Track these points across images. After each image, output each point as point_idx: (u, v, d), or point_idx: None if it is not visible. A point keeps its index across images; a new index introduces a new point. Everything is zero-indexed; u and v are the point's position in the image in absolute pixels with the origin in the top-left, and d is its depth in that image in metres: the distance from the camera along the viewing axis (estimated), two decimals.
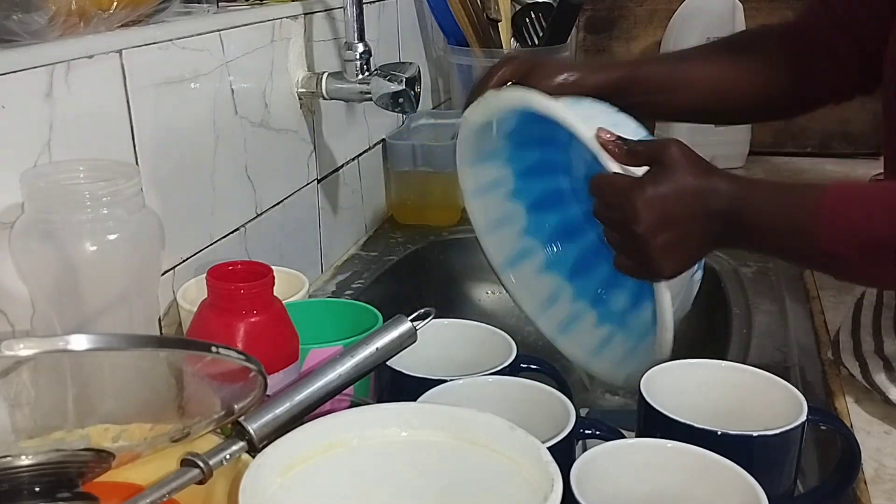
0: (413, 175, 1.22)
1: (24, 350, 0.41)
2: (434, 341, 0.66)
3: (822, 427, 0.60)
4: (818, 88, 0.88)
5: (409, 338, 0.59)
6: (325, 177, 1.04)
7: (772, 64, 0.87)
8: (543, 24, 1.37)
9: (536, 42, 1.38)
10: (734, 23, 1.42)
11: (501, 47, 1.37)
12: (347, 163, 1.10)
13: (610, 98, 0.78)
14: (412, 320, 0.59)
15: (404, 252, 1.15)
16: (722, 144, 1.38)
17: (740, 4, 1.42)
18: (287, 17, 0.92)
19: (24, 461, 0.46)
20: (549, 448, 0.47)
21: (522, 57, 0.83)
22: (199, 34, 0.78)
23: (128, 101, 0.70)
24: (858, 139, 1.52)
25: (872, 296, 0.80)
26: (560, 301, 0.88)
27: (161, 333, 0.74)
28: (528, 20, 1.38)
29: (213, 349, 0.47)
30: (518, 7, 1.39)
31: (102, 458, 0.49)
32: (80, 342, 0.42)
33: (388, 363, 0.60)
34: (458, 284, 1.23)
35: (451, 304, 1.21)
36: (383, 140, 1.22)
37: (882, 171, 0.82)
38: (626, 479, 0.52)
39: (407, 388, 0.59)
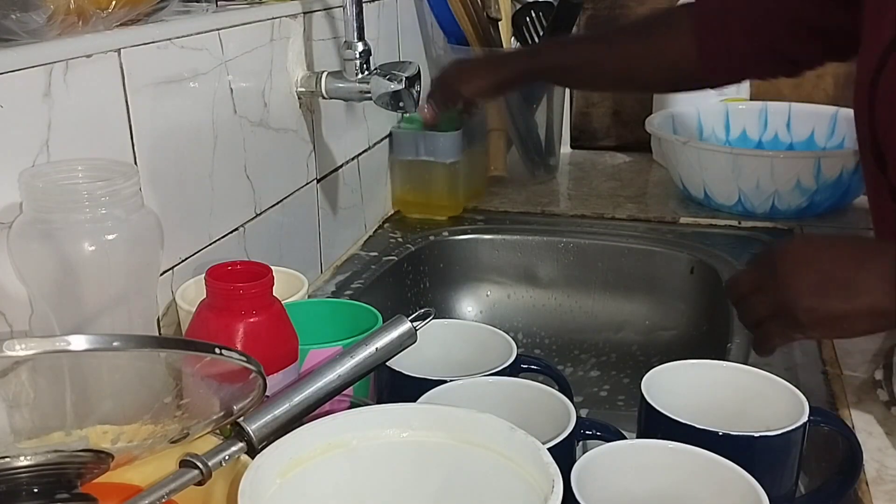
0: (416, 165, 1.23)
1: (23, 350, 0.41)
2: (434, 341, 0.66)
3: (824, 428, 0.59)
4: (728, 69, 0.93)
5: (409, 338, 0.59)
6: (325, 176, 1.04)
7: (680, 41, 0.92)
8: (544, 22, 1.37)
9: (537, 41, 1.38)
10: None
11: (502, 46, 1.37)
12: (347, 162, 1.10)
13: (522, 84, 0.94)
14: (412, 320, 0.59)
15: (404, 252, 1.15)
16: None
17: None
18: (286, 16, 0.91)
19: (23, 462, 0.46)
20: (549, 449, 0.47)
21: (460, 63, 0.97)
22: (198, 33, 0.78)
23: (126, 101, 0.69)
24: None
25: None
26: None
27: (160, 334, 0.74)
28: (528, 19, 1.38)
29: (217, 350, 0.47)
30: (518, 6, 1.39)
31: (101, 459, 0.48)
32: (79, 342, 0.42)
33: (387, 363, 0.60)
34: (458, 284, 1.23)
35: (451, 304, 1.21)
36: (390, 134, 1.22)
37: None
38: (627, 479, 0.52)
39: (407, 389, 0.59)
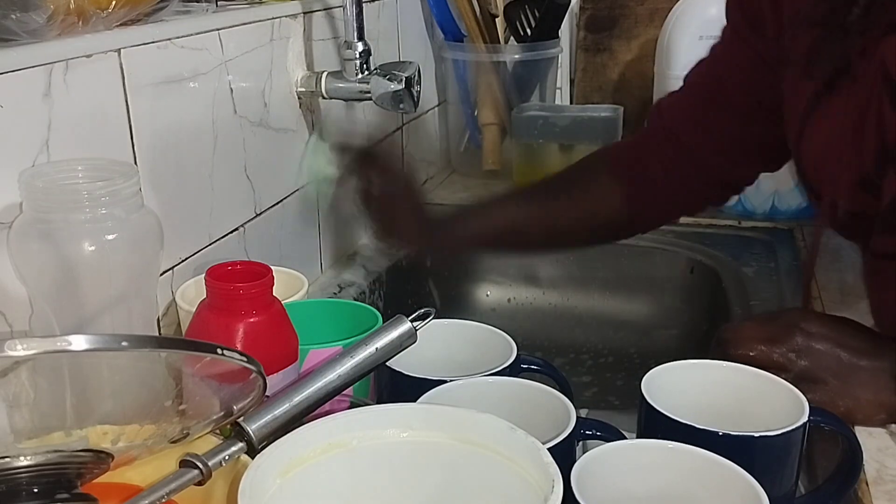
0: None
1: (24, 350, 0.41)
2: (434, 341, 0.66)
3: (824, 428, 0.59)
4: (657, 210, 0.92)
5: (409, 338, 0.59)
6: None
7: (604, 195, 0.90)
8: (537, 15, 1.37)
9: (529, 34, 1.38)
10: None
11: (500, 42, 1.37)
12: None
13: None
14: (412, 320, 0.59)
15: (404, 252, 1.15)
16: None
17: None
18: (286, 16, 0.91)
19: (23, 462, 0.46)
20: (549, 449, 0.47)
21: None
22: (198, 33, 0.78)
23: (126, 101, 0.69)
24: None
25: None
26: None
27: (160, 334, 0.74)
28: (521, 13, 1.38)
29: (217, 350, 0.47)
30: (509, 0, 1.39)
31: (101, 458, 0.48)
32: (79, 342, 0.42)
33: (387, 363, 0.60)
34: (458, 284, 1.23)
35: (451, 304, 1.21)
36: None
37: None
38: (627, 479, 0.52)
39: (407, 389, 0.59)
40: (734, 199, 1.20)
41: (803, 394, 0.58)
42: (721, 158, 0.86)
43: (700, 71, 0.87)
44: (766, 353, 0.65)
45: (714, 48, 0.87)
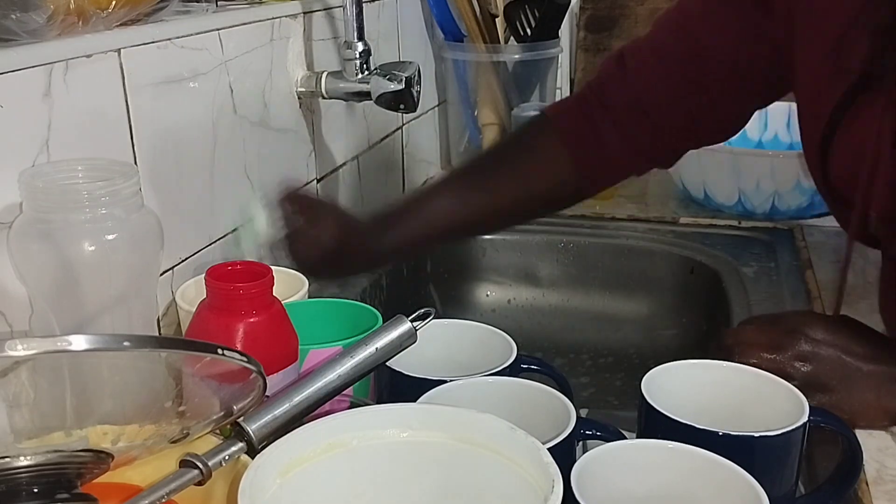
0: None
1: (24, 350, 0.41)
2: (434, 341, 0.66)
3: (824, 428, 0.59)
4: (605, 172, 0.88)
5: (409, 338, 0.59)
6: (325, 176, 1.04)
7: (553, 163, 0.86)
8: (537, 15, 1.37)
9: (529, 34, 1.38)
10: None
11: (500, 42, 1.37)
12: (347, 162, 1.10)
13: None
14: (412, 321, 0.59)
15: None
16: None
17: None
18: (286, 16, 0.91)
19: (23, 462, 0.46)
20: (549, 449, 0.47)
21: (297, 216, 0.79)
22: (198, 33, 0.78)
23: (126, 101, 0.69)
24: None
25: None
26: None
27: (160, 334, 0.74)
28: (521, 13, 1.38)
29: (217, 350, 0.47)
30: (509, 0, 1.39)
31: (101, 458, 0.48)
32: (80, 342, 0.42)
33: (387, 363, 0.60)
34: (458, 284, 1.23)
35: (451, 304, 1.21)
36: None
37: None
38: (627, 479, 0.52)
39: (407, 389, 0.59)
40: (735, 198, 1.20)
41: (808, 400, 0.58)
42: (684, 126, 0.83)
43: (673, 31, 0.83)
44: (771, 361, 0.64)
45: (687, 6, 0.83)
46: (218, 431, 0.54)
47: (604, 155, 0.85)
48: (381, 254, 0.87)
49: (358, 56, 0.92)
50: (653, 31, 0.85)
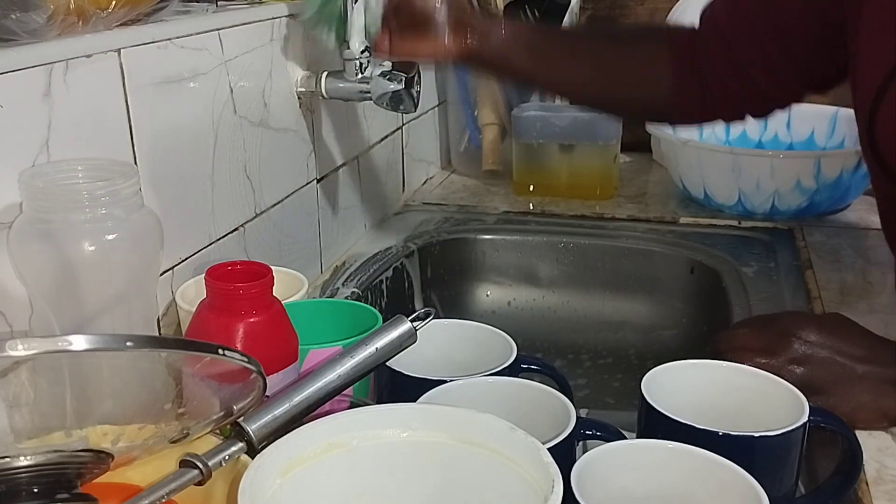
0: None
1: (24, 350, 0.41)
2: (434, 341, 0.66)
3: (824, 428, 0.59)
4: (699, 108, 0.89)
5: (409, 338, 0.59)
6: (325, 176, 1.04)
7: (656, 67, 0.88)
8: (537, 15, 1.37)
9: None
10: None
11: None
12: (347, 162, 1.10)
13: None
14: (412, 321, 0.59)
15: (404, 252, 1.15)
16: None
17: None
18: (286, 16, 0.91)
19: (23, 462, 0.46)
20: (549, 449, 0.47)
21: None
22: (198, 33, 0.78)
23: (126, 101, 0.69)
24: None
25: None
26: None
27: (160, 334, 0.74)
28: (521, 13, 1.38)
29: (220, 351, 0.47)
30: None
31: (101, 458, 0.48)
32: (80, 342, 0.42)
33: (387, 363, 0.60)
34: (458, 284, 1.23)
35: (451, 304, 1.21)
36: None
37: None
38: (627, 479, 0.52)
39: (407, 389, 0.59)
40: (735, 198, 1.20)
41: None
42: (771, 76, 0.84)
43: None
44: (765, 366, 0.64)
45: None
46: (218, 431, 0.54)
47: (699, 89, 0.87)
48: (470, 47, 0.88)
49: (358, 56, 0.92)
50: None
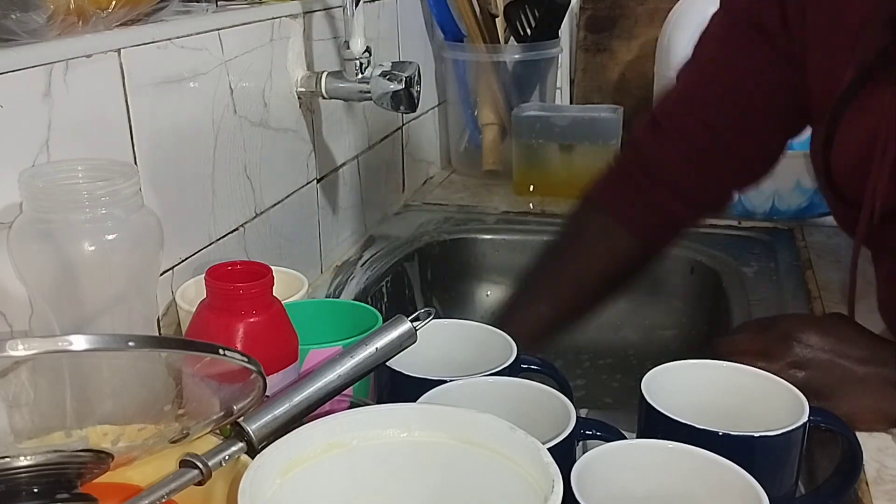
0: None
1: (25, 350, 0.41)
2: (434, 341, 0.66)
3: (824, 428, 0.59)
4: (664, 233, 0.89)
5: (409, 338, 0.59)
6: (325, 176, 1.04)
7: (614, 243, 0.87)
8: (537, 15, 1.37)
9: (529, 34, 1.38)
10: None
11: (500, 42, 1.37)
12: (347, 162, 1.10)
13: None
14: (412, 321, 0.59)
15: (404, 252, 1.15)
16: None
17: None
18: (286, 16, 0.91)
19: (23, 462, 0.46)
20: (549, 449, 0.47)
21: None
22: (198, 33, 0.78)
23: (126, 101, 0.69)
24: None
25: None
26: None
27: (160, 334, 0.74)
28: (521, 13, 1.38)
29: (220, 351, 0.47)
30: (509, 0, 1.39)
31: (101, 458, 0.48)
32: (80, 342, 0.42)
33: (387, 363, 0.60)
34: (458, 284, 1.23)
35: (451, 304, 1.21)
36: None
37: None
38: (627, 479, 0.52)
39: (407, 389, 0.59)
40: (734, 198, 1.20)
41: None
42: (730, 167, 0.84)
43: (696, 81, 0.85)
44: (766, 370, 0.64)
45: (701, 53, 0.84)
46: (218, 431, 0.54)
47: (660, 218, 0.86)
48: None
49: (358, 56, 0.92)
50: (678, 87, 0.86)
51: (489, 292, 1.23)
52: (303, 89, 0.95)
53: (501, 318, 0.88)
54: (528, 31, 1.38)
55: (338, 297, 0.99)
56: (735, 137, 0.82)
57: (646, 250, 0.89)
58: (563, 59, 1.57)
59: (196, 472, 0.49)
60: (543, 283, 0.90)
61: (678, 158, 0.84)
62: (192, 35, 0.77)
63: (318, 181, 1.02)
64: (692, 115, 0.84)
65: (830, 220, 1.20)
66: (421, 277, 1.18)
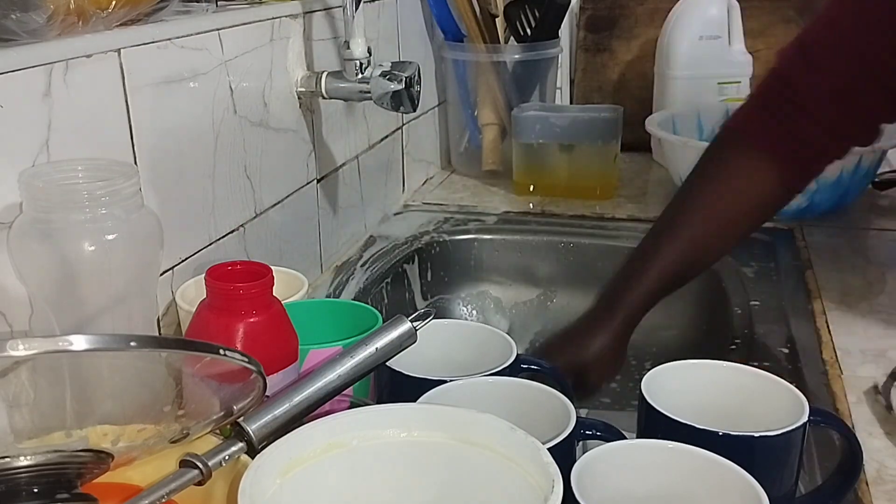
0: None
1: (25, 350, 0.41)
2: (434, 341, 0.66)
3: (824, 427, 0.59)
4: (810, 165, 0.86)
5: (409, 338, 0.59)
6: (325, 176, 1.04)
7: (760, 175, 0.85)
8: (537, 15, 1.37)
9: (529, 34, 1.38)
10: (729, 22, 1.41)
11: (500, 41, 1.37)
12: (347, 162, 1.10)
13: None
14: (412, 321, 0.59)
15: (404, 252, 1.15)
16: None
17: (736, 4, 1.41)
18: (286, 16, 0.91)
19: (23, 462, 0.46)
20: (549, 449, 0.47)
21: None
22: (198, 33, 0.78)
23: (126, 101, 0.69)
24: None
25: None
26: None
27: (160, 334, 0.74)
28: (521, 13, 1.38)
29: (220, 351, 0.47)
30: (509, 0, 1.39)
31: (101, 458, 0.48)
32: (80, 342, 0.42)
33: (387, 363, 0.60)
34: (458, 284, 1.23)
35: (451, 304, 1.21)
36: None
37: None
38: (627, 479, 0.52)
39: (406, 389, 0.59)
40: None
41: None
42: (882, 100, 0.81)
43: (850, 9, 0.82)
44: None
45: None
46: (218, 431, 0.54)
47: (808, 150, 0.84)
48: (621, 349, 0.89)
49: (358, 56, 0.92)
50: (828, 16, 0.84)
51: (489, 292, 1.23)
52: (303, 89, 0.95)
53: (623, 278, 0.91)
54: (528, 31, 1.38)
55: (338, 298, 0.99)
56: (886, 68, 0.80)
57: (789, 187, 0.87)
58: (563, 59, 1.57)
59: (196, 472, 0.49)
60: (682, 221, 0.88)
61: (829, 88, 0.82)
62: (192, 35, 0.77)
63: (319, 181, 1.02)
64: (844, 43, 0.81)
65: (830, 220, 1.20)
66: (421, 277, 1.18)
